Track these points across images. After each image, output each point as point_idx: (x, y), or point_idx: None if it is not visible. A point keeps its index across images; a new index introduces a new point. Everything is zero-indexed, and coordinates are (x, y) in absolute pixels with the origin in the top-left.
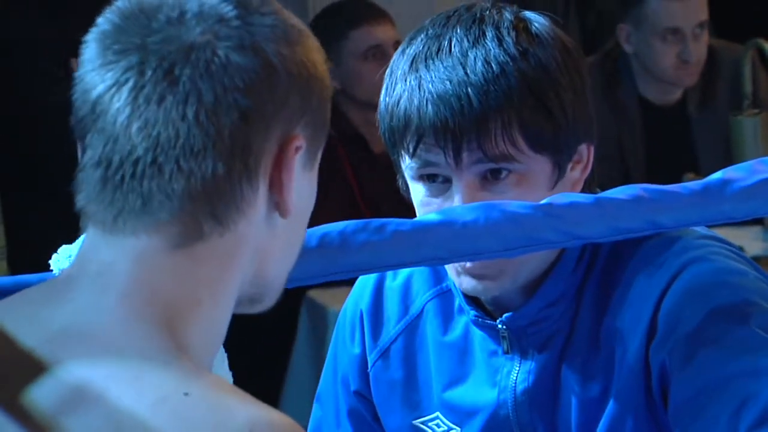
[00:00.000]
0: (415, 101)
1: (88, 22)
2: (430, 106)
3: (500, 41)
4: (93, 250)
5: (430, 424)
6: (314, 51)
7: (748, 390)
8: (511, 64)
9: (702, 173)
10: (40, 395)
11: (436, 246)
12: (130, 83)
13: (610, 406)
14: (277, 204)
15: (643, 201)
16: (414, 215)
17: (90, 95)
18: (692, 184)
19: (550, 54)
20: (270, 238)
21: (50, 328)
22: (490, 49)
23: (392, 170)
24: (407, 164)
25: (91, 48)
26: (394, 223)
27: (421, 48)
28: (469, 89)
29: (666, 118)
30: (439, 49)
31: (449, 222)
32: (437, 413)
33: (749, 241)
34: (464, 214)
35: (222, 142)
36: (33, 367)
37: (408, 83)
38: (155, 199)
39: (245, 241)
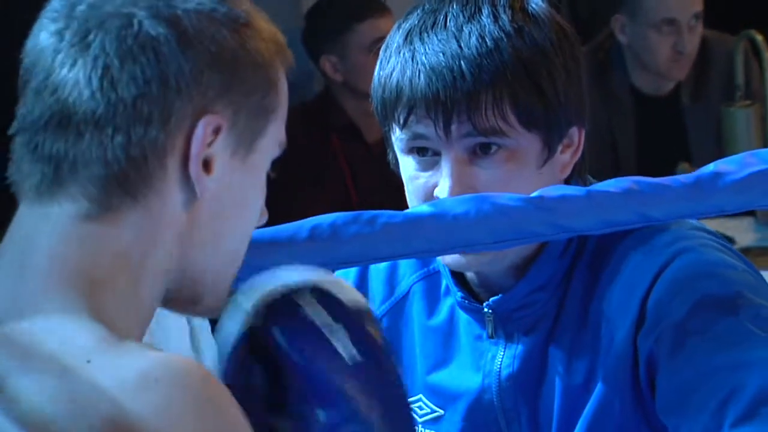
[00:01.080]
0: (408, 73)
1: None
2: (422, 78)
3: (496, 18)
4: (19, 224)
5: (412, 406)
6: (255, 39)
7: (733, 382)
8: (505, 40)
9: (694, 164)
10: None
11: (427, 238)
12: (51, 48)
13: (596, 393)
14: (189, 183)
15: (635, 194)
16: (405, 205)
17: (23, 64)
18: (683, 177)
19: (545, 34)
20: (192, 222)
21: None
22: (485, 25)
23: (386, 160)
24: (397, 136)
25: (37, 22)
26: (385, 215)
27: (416, 22)
28: (462, 62)
29: (658, 108)
30: (434, 23)
31: (440, 214)
32: (420, 396)
33: (741, 232)
34: (455, 207)
35: (124, 109)
36: None
37: (402, 56)
38: (64, 165)
39: (161, 219)
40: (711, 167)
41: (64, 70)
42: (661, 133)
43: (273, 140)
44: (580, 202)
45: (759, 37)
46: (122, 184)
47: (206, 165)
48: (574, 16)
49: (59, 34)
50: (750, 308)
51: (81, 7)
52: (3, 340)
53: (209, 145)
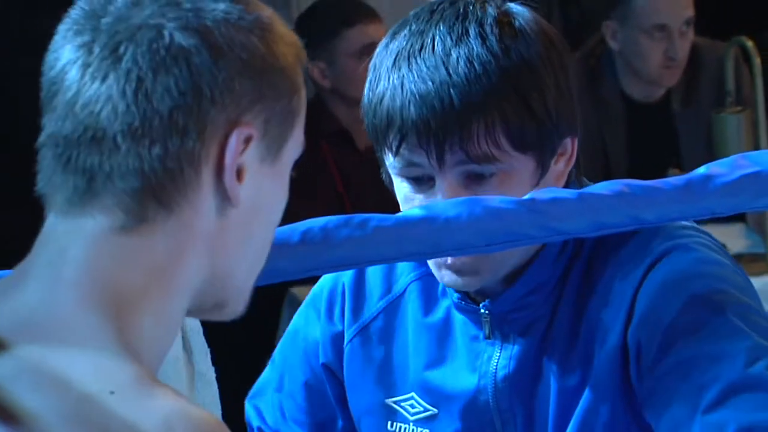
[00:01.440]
0: (398, 101)
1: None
2: (412, 107)
3: (483, 39)
4: (49, 235)
5: (403, 404)
6: (278, 42)
7: (712, 373)
8: (493, 63)
9: (685, 170)
10: None
11: (419, 241)
12: (80, 61)
13: (587, 395)
14: (224, 192)
15: (626, 196)
16: (398, 210)
17: (48, 76)
18: (675, 180)
19: (534, 50)
20: (222, 230)
21: (4, 319)
22: (473, 48)
23: (376, 165)
24: (391, 162)
25: (58, 33)
26: (376, 218)
27: (404, 45)
28: (452, 90)
29: (649, 115)
30: (422, 47)
31: (432, 217)
32: (412, 394)
33: (732, 238)
34: (447, 210)
35: (160, 121)
36: None
37: (391, 82)
38: (98, 178)
39: (193, 229)
40: (702, 170)
41: (96, 84)
42: (652, 140)
43: (296, 143)
44: (572, 204)
45: (749, 43)
46: (158, 195)
47: (238, 174)
48: (566, 23)
49: (87, 47)
50: (736, 305)
51: (107, 20)
52: (26, 364)
53: (241, 153)
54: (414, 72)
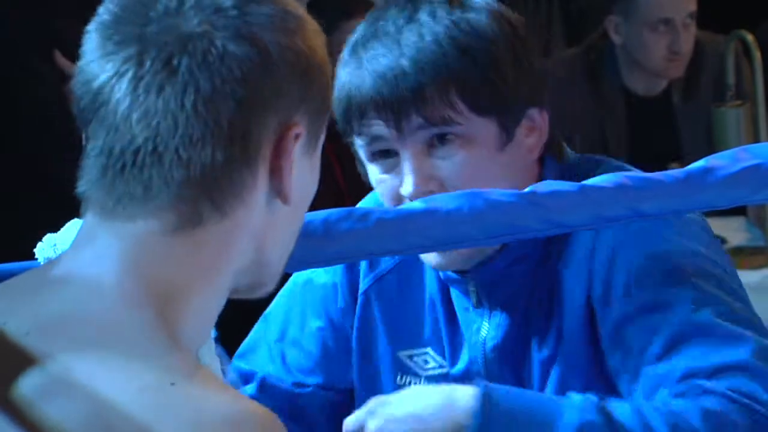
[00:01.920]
0: (356, 81)
1: (71, 15)
2: (368, 82)
3: (433, 15)
4: (90, 235)
5: (416, 358)
6: (313, 37)
7: (662, 322)
8: (443, 32)
9: (685, 164)
10: (24, 384)
11: (419, 234)
12: (130, 73)
13: (560, 365)
14: (278, 191)
15: (626, 189)
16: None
17: (91, 86)
18: (675, 172)
19: (484, 21)
20: (269, 224)
21: (43, 315)
22: (423, 23)
23: None
24: (358, 144)
25: (92, 38)
26: (377, 211)
27: (361, 34)
28: (402, 59)
29: (650, 109)
30: (376, 32)
31: (432, 210)
32: (428, 348)
33: (732, 232)
34: (447, 203)
35: (220, 131)
36: (20, 356)
37: (349, 67)
38: (154, 186)
39: (243, 227)
40: (702, 162)
41: (152, 97)
42: (653, 133)
43: (324, 132)
44: (573, 197)
45: (750, 37)
46: (214, 200)
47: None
48: (566, 18)
49: (135, 59)
50: (691, 260)
51: (151, 29)
52: (62, 371)
53: (291, 152)
54: (369, 53)
